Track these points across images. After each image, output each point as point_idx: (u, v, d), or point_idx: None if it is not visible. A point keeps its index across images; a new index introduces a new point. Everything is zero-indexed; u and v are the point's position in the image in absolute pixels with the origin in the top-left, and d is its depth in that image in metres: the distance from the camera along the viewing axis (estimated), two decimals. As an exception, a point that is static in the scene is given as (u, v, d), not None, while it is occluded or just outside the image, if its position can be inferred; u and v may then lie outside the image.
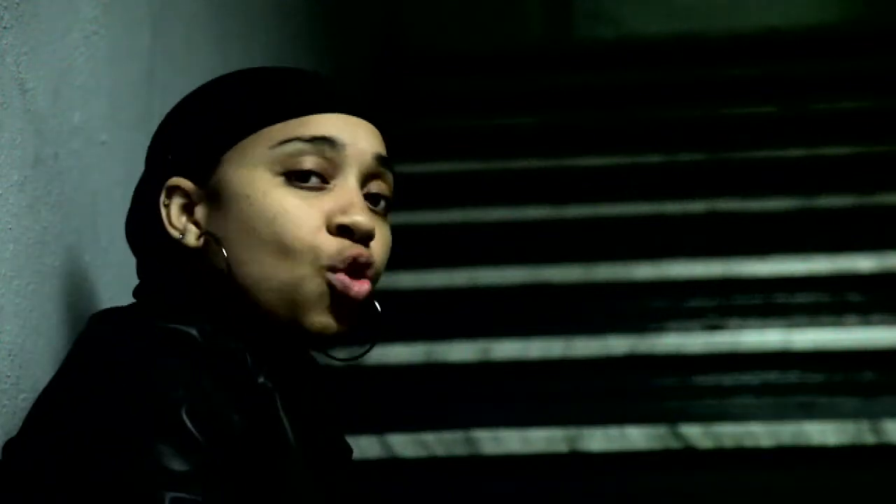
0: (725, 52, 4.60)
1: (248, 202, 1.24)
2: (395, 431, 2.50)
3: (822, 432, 2.46)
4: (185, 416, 1.09)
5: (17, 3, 1.33)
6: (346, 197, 1.25)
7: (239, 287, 1.24)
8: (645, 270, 3.04)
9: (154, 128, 1.35)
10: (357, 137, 1.27)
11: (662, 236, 3.27)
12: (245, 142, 1.26)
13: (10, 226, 1.30)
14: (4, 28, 1.30)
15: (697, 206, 3.32)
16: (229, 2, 2.48)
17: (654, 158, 3.67)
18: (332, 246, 1.23)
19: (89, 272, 1.54)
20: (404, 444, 2.49)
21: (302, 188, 1.24)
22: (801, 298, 2.99)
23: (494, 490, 2.50)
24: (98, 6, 1.61)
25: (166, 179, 1.27)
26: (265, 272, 1.23)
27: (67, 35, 1.49)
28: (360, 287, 1.24)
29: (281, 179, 1.24)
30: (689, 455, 2.46)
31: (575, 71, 4.64)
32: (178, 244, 1.26)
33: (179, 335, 1.18)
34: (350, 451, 1.42)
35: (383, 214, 1.30)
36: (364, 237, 1.24)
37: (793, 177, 3.49)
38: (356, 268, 1.24)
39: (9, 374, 1.29)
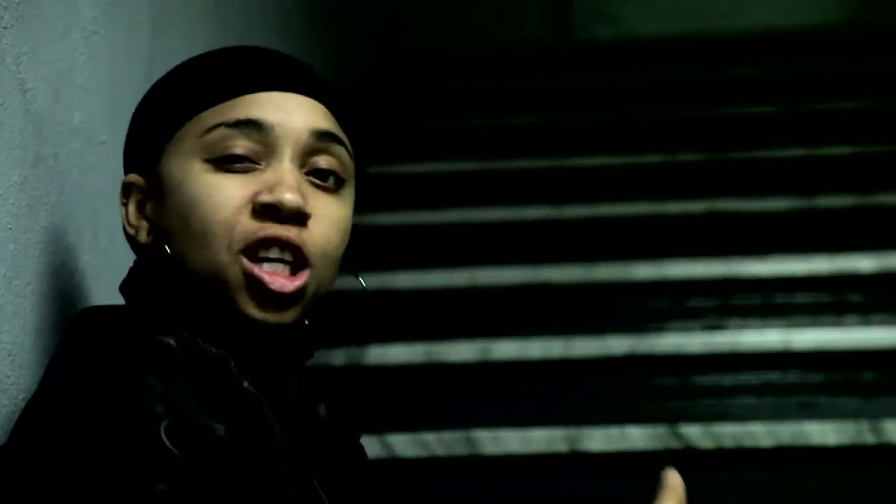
0: (725, 52, 4.59)
1: (180, 190, 1.21)
2: (395, 431, 2.49)
3: (822, 432, 2.46)
4: (163, 434, 1.07)
5: (17, 3, 1.33)
6: (275, 175, 1.21)
7: (187, 281, 1.21)
8: (645, 270, 3.03)
9: (154, 128, 1.35)
10: (290, 115, 1.23)
11: (662, 236, 3.26)
12: (181, 131, 1.23)
13: (10, 226, 1.30)
14: (4, 28, 1.30)
15: (697, 206, 3.32)
16: (229, 2, 2.48)
17: (654, 158, 3.66)
18: (249, 226, 1.19)
19: (89, 272, 1.54)
20: (404, 444, 2.48)
21: (231, 170, 1.21)
22: (801, 298, 2.99)
23: (495, 490, 2.49)
24: (98, 6, 1.61)
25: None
26: (197, 262, 1.20)
27: (67, 35, 1.49)
28: (280, 283, 1.19)
29: (210, 165, 1.21)
30: (689, 455, 2.46)
31: (575, 71, 4.64)
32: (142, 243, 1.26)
33: (158, 346, 1.14)
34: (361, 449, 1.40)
35: (334, 190, 1.25)
36: (291, 216, 1.20)
37: (793, 177, 3.48)
38: (279, 249, 1.19)
39: (9, 374, 1.29)
